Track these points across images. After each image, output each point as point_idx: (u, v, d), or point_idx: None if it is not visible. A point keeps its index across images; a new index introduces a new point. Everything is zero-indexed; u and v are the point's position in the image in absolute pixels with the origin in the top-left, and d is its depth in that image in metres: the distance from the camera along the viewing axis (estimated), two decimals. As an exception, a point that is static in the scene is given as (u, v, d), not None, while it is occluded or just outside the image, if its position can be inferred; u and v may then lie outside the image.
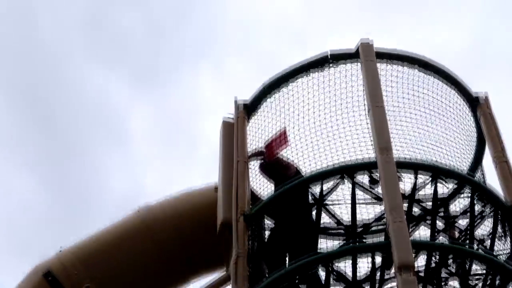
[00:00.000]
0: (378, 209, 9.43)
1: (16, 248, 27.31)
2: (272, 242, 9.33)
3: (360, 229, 9.47)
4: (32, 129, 29.61)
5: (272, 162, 9.97)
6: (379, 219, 9.40)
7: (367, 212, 9.53)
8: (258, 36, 31.62)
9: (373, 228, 9.56)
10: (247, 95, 10.41)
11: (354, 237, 9.37)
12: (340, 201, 9.33)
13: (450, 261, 8.79)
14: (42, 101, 29.20)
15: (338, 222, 9.41)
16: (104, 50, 30.86)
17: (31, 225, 27.93)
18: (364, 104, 9.51)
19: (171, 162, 30.85)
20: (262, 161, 10.08)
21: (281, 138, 9.99)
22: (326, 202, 9.27)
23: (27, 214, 28.17)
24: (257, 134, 10.17)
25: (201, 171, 27.54)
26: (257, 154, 10.05)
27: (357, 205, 9.26)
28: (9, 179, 28.40)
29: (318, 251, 9.22)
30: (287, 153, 10.03)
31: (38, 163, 29.23)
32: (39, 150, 29.37)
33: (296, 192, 9.08)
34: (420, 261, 8.78)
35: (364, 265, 8.76)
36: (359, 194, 9.21)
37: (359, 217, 9.44)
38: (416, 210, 9.41)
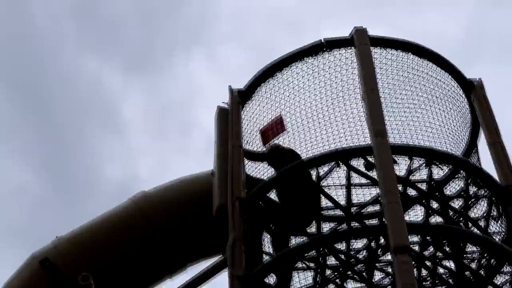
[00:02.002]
0: (374, 192, 9.50)
1: (11, 235, 27.31)
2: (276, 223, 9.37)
3: (356, 209, 9.53)
4: (27, 117, 29.51)
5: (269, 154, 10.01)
6: (374, 201, 9.44)
7: (363, 195, 9.59)
8: (251, 23, 31.62)
9: (369, 210, 9.63)
10: (240, 82, 10.49)
11: (349, 221, 9.43)
12: (336, 184, 9.39)
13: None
14: (36, 89, 29.14)
15: (336, 204, 9.44)
16: (96, 37, 30.77)
17: (26, 212, 27.95)
18: (359, 89, 9.54)
19: (165, 149, 30.87)
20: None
21: (277, 124, 10.03)
22: (323, 185, 9.31)
23: (22, 201, 28.19)
24: (252, 120, 10.22)
25: (195, 159, 27.53)
26: (258, 158, 10.07)
27: (354, 189, 9.36)
28: (4, 166, 28.40)
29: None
30: (283, 139, 10.07)
31: (33, 150, 29.13)
32: (34, 138, 29.30)
33: (296, 176, 9.11)
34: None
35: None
36: (355, 177, 9.31)
37: (355, 200, 9.52)
38: (411, 192, 9.47)
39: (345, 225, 9.56)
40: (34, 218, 27.92)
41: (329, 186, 9.42)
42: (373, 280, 9.07)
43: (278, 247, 9.03)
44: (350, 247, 9.06)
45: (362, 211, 9.65)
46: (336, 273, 9.14)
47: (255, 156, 10.06)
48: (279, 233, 9.21)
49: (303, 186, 9.22)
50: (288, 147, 10.07)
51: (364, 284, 9.18)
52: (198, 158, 26.78)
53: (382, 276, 9.34)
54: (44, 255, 10.14)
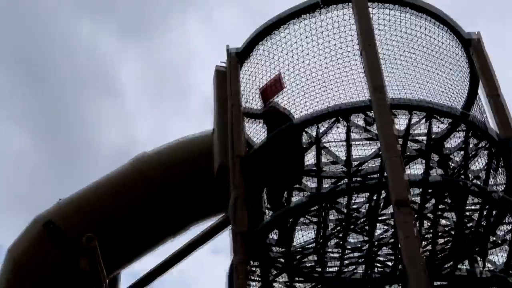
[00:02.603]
0: (375, 148, 9.53)
1: (13, 202, 27.34)
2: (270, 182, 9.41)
3: (357, 164, 9.57)
4: (23, 83, 29.27)
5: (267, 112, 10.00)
6: (375, 156, 9.48)
7: (364, 150, 9.61)
8: (245, -18, 31.37)
9: (370, 166, 9.67)
10: (235, 43, 10.43)
11: (350, 177, 9.47)
12: (336, 141, 9.41)
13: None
14: (31, 56, 28.89)
15: (337, 159, 9.48)
16: (90, 1, 30.54)
17: (27, 178, 27.91)
18: (358, 45, 9.50)
19: (163, 112, 30.79)
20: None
21: (276, 83, 10.01)
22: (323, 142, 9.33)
23: (22, 168, 28.13)
24: (250, 80, 10.20)
25: (194, 120, 27.49)
26: (255, 116, 10.07)
27: (354, 145, 9.40)
28: (2, 133, 28.36)
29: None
30: (282, 97, 10.06)
31: (31, 116, 28.96)
32: (31, 104, 29.17)
33: (291, 135, 9.14)
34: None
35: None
36: (356, 134, 9.34)
37: (356, 157, 9.56)
38: (411, 148, 9.50)
39: (346, 180, 9.59)
40: (35, 184, 27.94)
41: (330, 142, 9.43)
42: (375, 234, 9.14)
43: (276, 203, 9.11)
44: (352, 202, 9.09)
45: (362, 166, 9.67)
46: (338, 228, 9.20)
47: (252, 115, 10.05)
48: (276, 190, 9.28)
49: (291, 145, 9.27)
50: (284, 107, 10.05)
51: (366, 237, 9.25)
52: (197, 120, 26.73)
53: (384, 230, 9.41)
54: (47, 218, 10.22)
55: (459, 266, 9.08)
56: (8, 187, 27.69)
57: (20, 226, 10.57)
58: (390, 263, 9.53)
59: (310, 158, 9.63)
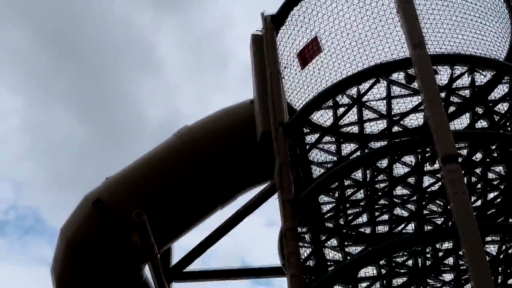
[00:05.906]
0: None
1: (62, 183, 27.69)
2: None
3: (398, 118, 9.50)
4: (63, 65, 29.51)
5: None
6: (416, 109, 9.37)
7: (406, 108, 9.51)
8: None
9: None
10: (271, 9, 10.34)
11: (393, 137, 9.39)
12: (377, 99, 9.34)
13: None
14: (69, 35, 29.00)
15: (379, 114, 9.39)
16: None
17: (74, 159, 28.24)
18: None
19: (203, 83, 30.76)
20: None
21: (313, 46, 9.90)
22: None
23: (70, 148, 28.44)
24: (288, 45, 10.11)
25: (234, 90, 27.42)
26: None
27: (396, 104, 9.31)
28: (49, 115, 28.62)
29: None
30: (322, 59, 9.95)
31: (73, 98, 29.27)
32: (73, 85, 29.38)
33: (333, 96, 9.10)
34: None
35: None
36: (396, 93, 9.25)
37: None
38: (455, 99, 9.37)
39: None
40: (84, 162, 28.25)
41: (371, 101, 9.36)
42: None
43: None
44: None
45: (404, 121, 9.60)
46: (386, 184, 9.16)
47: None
48: None
49: None
50: None
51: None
52: (237, 89, 26.65)
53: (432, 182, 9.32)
54: (95, 196, 10.31)
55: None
56: (59, 167, 28.08)
57: (70, 205, 10.72)
58: (440, 220, 9.46)
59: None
